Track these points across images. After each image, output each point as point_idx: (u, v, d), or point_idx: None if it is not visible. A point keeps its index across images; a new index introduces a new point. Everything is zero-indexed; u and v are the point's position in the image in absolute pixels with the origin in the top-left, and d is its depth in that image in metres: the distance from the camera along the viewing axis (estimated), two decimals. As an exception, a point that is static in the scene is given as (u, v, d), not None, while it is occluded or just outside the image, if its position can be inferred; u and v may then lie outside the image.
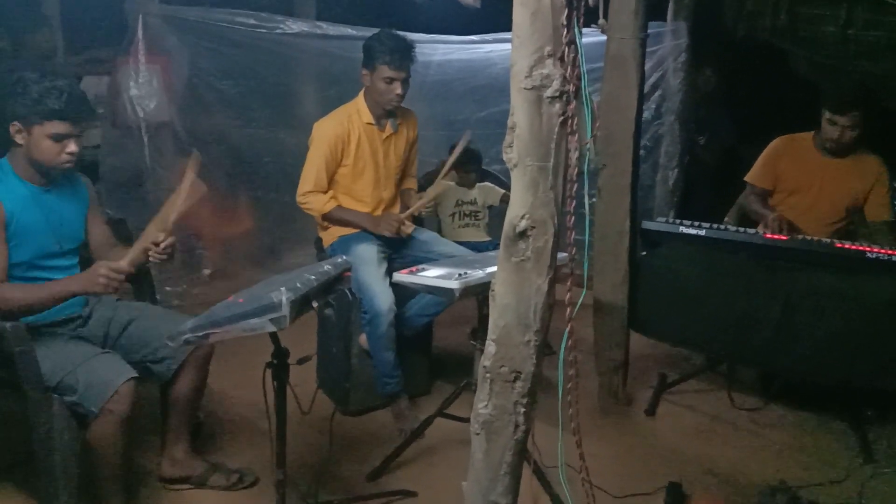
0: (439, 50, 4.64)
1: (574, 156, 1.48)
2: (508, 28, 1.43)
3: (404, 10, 4.86)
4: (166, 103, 4.19)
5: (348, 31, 4.37)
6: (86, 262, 2.54)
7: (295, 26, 4.32)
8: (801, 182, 3.43)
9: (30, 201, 2.33)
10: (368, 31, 3.47)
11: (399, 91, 3.09)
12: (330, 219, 3.22)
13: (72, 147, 2.29)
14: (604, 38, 2.95)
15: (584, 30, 1.45)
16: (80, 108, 2.30)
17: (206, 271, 4.51)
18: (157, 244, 2.31)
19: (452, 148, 3.58)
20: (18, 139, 2.28)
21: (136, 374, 2.26)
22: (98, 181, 3.93)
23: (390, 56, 3.04)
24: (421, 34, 4.49)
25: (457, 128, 4.65)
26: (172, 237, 2.33)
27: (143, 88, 4.08)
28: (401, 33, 3.14)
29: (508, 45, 1.44)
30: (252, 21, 4.20)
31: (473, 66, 4.70)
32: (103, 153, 4.11)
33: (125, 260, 2.24)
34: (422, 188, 3.70)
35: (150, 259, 2.34)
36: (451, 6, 3.53)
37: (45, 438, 2.23)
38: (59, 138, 2.26)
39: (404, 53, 3.07)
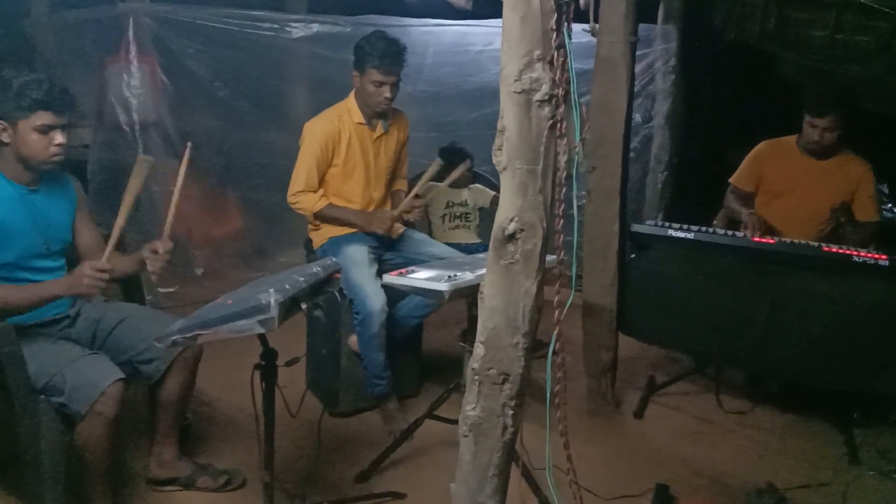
0: (430, 50, 4.64)
1: (563, 159, 1.48)
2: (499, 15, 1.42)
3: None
4: (154, 103, 4.18)
5: (340, 25, 4.34)
6: (73, 263, 2.53)
7: (293, 25, 4.31)
8: (785, 184, 3.45)
9: (17, 202, 2.31)
10: (361, 27, 3.45)
11: (388, 95, 3.08)
12: (321, 217, 3.21)
13: (59, 139, 2.27)
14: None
15: (574, 26, 1.45)
16: (62, 98, 2.28)
17: (199, 271, 4.49)
18: (155, 251, 2.31)
19: (441, 152, 3.57)
20: (4, 137, 2.25)
21: (124, 376, 2.25)
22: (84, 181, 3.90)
23: (380, 60, 3.03)
24: (414, 19, 4.49)
25: (447, 129, 4.65)
26: (170, 243, 2.33)
27: (132, 88, 4.06)
28: (392, 36, 3.12)
29: (499, 40, 1.44)
30: (245, 20, 4.20)
31: (465, 69, 4.70)
32: (92, 152, 4.09)
33: (104, 257, 2.22)
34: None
35: (149, 269, 2.34)
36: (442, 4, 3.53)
37: (32, 440, 2.22)
38: (45, 130, 2.24)
39: (394, 58, 3.05)
